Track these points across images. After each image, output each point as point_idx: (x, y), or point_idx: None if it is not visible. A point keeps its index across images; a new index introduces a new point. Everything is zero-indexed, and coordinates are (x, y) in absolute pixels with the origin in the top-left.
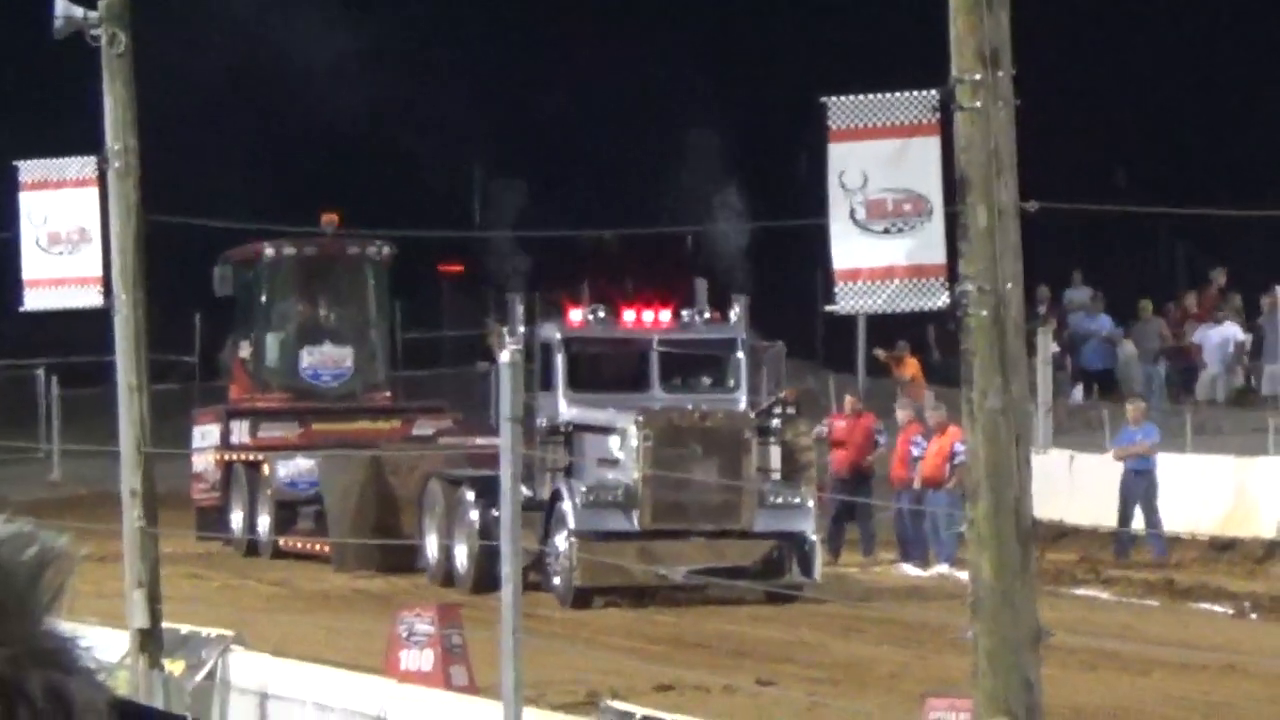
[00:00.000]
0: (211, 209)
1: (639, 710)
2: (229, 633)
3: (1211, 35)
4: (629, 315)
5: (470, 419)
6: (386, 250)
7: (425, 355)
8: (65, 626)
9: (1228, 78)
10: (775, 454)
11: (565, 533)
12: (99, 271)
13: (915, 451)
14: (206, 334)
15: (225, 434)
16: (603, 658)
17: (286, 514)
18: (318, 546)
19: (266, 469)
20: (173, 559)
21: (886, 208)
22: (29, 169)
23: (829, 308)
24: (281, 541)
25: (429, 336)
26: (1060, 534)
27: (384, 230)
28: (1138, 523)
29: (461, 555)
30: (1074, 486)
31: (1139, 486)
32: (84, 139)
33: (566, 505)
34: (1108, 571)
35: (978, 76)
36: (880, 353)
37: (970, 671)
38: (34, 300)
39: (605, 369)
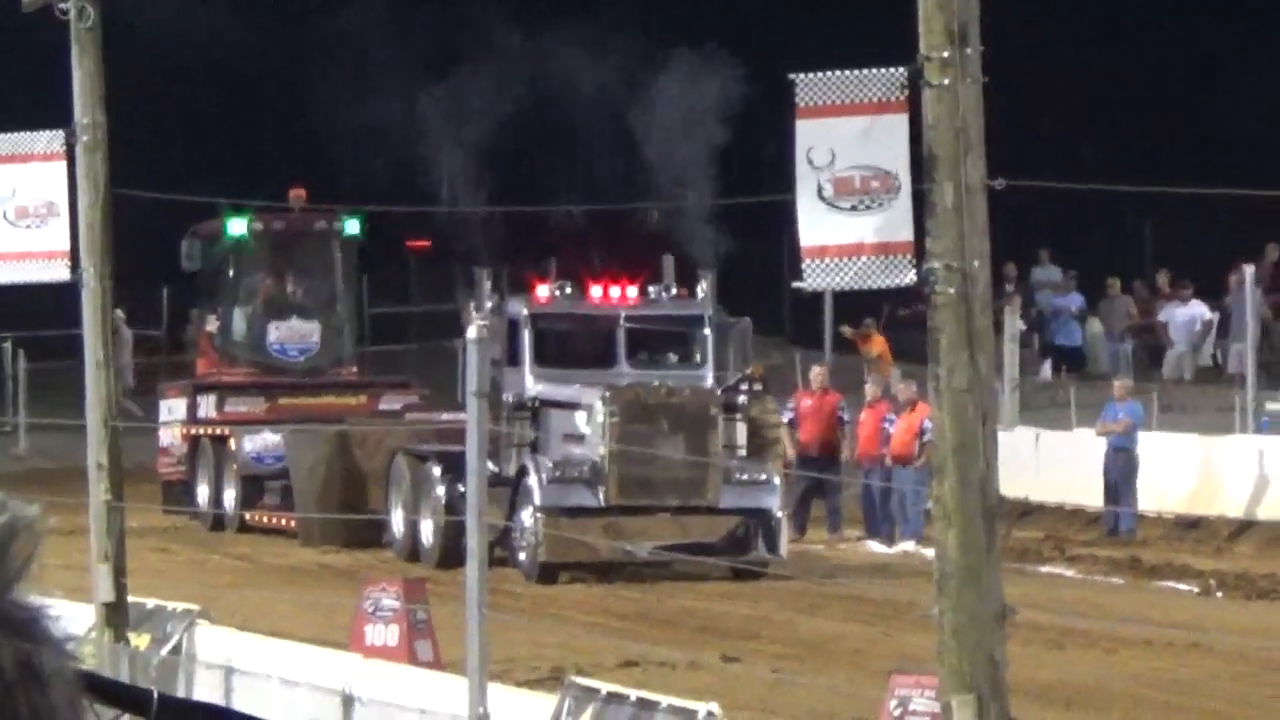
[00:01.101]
0: (179, 183)
1: (604, 686)
2: (195, 607)
3: (1177, 12)
4: (596, 291)
5: (437, 394)
6: (354, 225)
7: (392, 330)
8: (34, 596)
9: (1194, 54)
10: (741, 430)
11: (531, 508)
12: (66, 245)
13: (889, 428)
14: (173, 308)
15: (192, 408)
16: (568, 633)
17: (253, 488)
18: (284, 521)
19: (233, 443)
20: (139, 533)
21: (854, 185)
22: None
23: (796, 284)
24: (247, 516)
25: (396, 311)
26: (1026, 511)
27: (351, 205)
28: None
29: (427, 530)
30: (1040, 464)
31: (1116, 463)
32: (52, 113)
33: (532, 481)
34: (1073, 549)
35: (946, 54)
36: (847, 330)
37: (935, 649)
38: (1, 274)
39: (572, 345)
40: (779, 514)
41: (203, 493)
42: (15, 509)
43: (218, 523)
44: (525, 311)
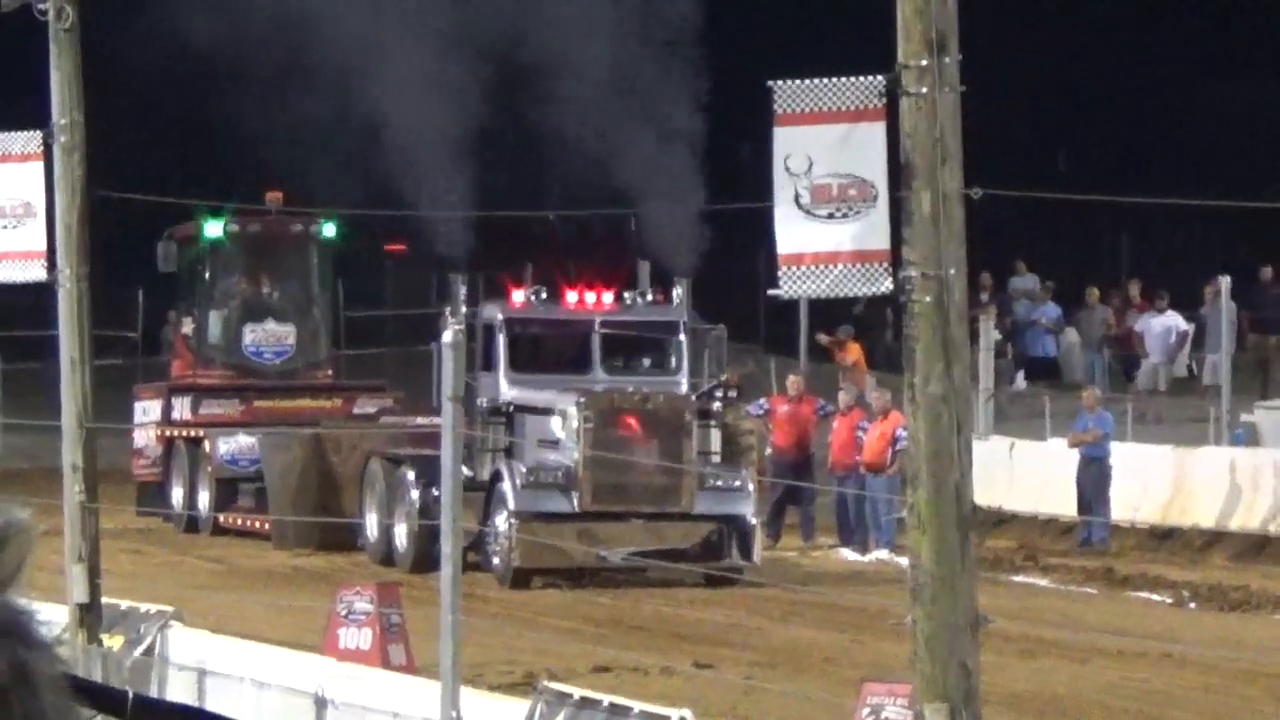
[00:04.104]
0: (156, 185)
1: (576, 691)
2: (168, 609)
3: (1154, 23)
4: (571, 296)
5: (412, 398)
6: (331, 228)
7: (368, 333)
8: (22, 600)
9: (1170, 65)
10: (716, 437)
11: (505, 513)
12: (43, 246)
13: (863, 436)
14: (149, 310)
15: (167, 410)
16: (541, 638)
17: (227, 491)
18: (258, 524)
19: (207, 445)
20: (113, 534)
21: (831, 192)
22: None
23: (772, 292)
24: (222, 518)
25: (372, 315)
26: (999, 521)
27: (328, 208)
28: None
29: (401, 534)
30: (1014, 473)
31: (1088, 474)
32: (29, 113)
33: (506, 486)
34: (1046, 559)
35: (924, 62)
36: (822, 337)
37: (908, 657)
38: None
39: (547, 350)
40: (753, 520)
41: (177, 495)
42: (8, 513)
43: (192, 525)
44: (500, 316)
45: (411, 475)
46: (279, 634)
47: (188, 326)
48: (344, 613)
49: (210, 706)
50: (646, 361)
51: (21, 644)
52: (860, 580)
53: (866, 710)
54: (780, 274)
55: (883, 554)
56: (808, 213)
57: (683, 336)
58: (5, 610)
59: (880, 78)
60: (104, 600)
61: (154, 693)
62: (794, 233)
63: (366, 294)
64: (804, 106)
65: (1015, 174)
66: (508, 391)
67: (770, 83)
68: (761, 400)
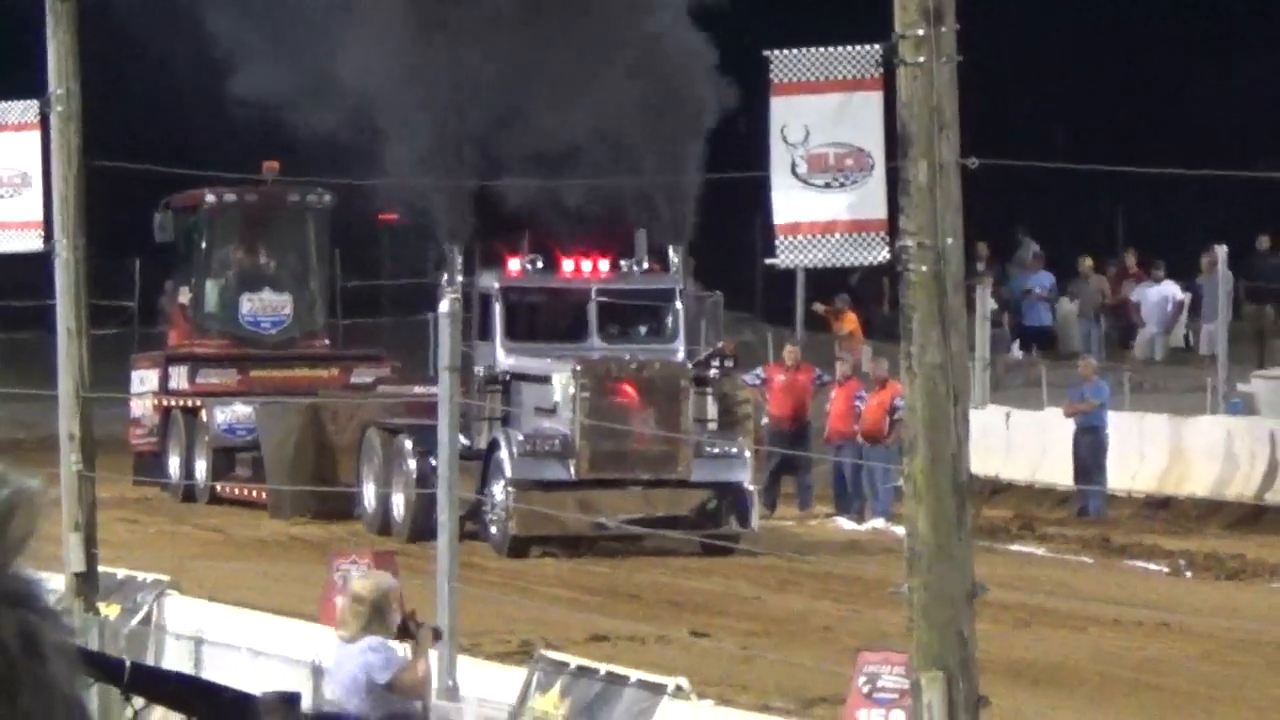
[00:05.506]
0: (152, 155)
1: (573, 660)
2: (165, 578)
3: None
4: (568, 265)
5: (409, 368)
6: (327, 198)
7: (365, 303)
8: (31, 568)
9: (1167, 35)
10: (712, 405)
11: (502, 482)
12: (39, 216)
13: (860, 406)
14: (146, 280)
15: (164, 379)
16: (538, 607)
17: (224, 460)
18: (255, 493)
19: (204, 415)
20: (109, 503)
21: (828, 162)
22: None
23: (769, 261)
24: (218, 487)
25: (369, 284)
26: (996, 490)
27: (324, 177)
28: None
29: (398, 504)
30: (1010, 443)
31: (1084, 443)
32: (24, 82)
33: (503, 454)
34: (1043, 528)
35: (921, 32)
36: (819, 307)
37: (905, 626)
38: None
39: (543, 319)
40: (750, 487)
41: (174, 464)
42: (17, 483)
43: (188, 494)
44: (497, 285)
45: (409, 444)
46: (275, 603)
47: (184, 296)
48: (340, 581)
49: (207, 675)
50: (643, 330)
51: (31, 613)
52: (857, 549)
53: (863, 679)
54: (777, 243)
55: (879, 523)
56: (804, 182)
57: (679, 304)
58: (14, 579)
59: (877, 47)
60: (101, 569)
61: (151, 661)
62: (791, 202)
63: (363, 263)
64: (800, 76)
65: (1012, 144)
66: (504, 360)
67: (766, 52)
68: (758, 370)
